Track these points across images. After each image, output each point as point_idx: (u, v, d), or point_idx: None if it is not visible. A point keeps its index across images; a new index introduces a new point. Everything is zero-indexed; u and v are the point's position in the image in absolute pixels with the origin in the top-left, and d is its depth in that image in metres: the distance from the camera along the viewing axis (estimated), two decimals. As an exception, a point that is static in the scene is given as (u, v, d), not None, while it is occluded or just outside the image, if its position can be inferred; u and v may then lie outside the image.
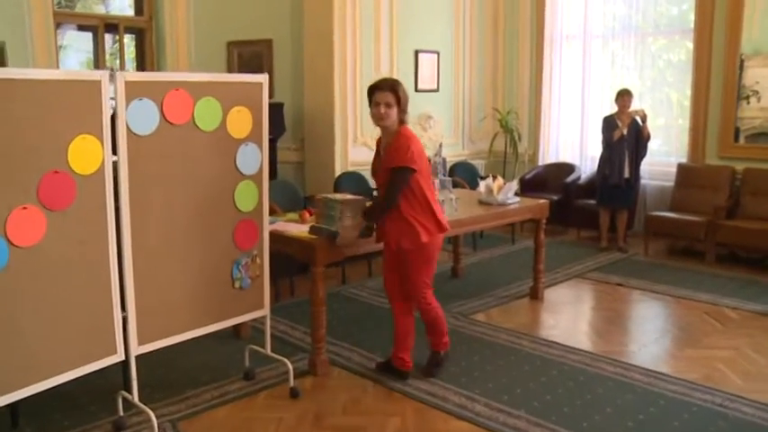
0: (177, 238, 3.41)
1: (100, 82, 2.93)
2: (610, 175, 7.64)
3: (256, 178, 3.75)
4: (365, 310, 5.65)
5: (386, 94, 3.93)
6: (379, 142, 4.19)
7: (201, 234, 3.52)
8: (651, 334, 5.21)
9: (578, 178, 8.70)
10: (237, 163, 3.62)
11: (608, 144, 7.66)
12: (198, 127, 3.39)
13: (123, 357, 3.26)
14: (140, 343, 3.33)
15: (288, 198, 6.27)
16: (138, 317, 3.29)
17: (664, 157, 8.54)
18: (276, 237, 4.24)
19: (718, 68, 7.81)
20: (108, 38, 7.57)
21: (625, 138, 7.54)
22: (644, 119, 7.52)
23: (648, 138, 7.63)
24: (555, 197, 8.27)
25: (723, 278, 6.66)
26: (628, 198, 7.84)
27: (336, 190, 6.89)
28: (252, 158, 3.69)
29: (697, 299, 5.96)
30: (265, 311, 4.01)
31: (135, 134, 3.15)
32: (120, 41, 7.55)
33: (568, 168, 8.92)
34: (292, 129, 8.15)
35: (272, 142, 7.80)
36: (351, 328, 5.17)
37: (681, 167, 8.09)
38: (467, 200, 5.62)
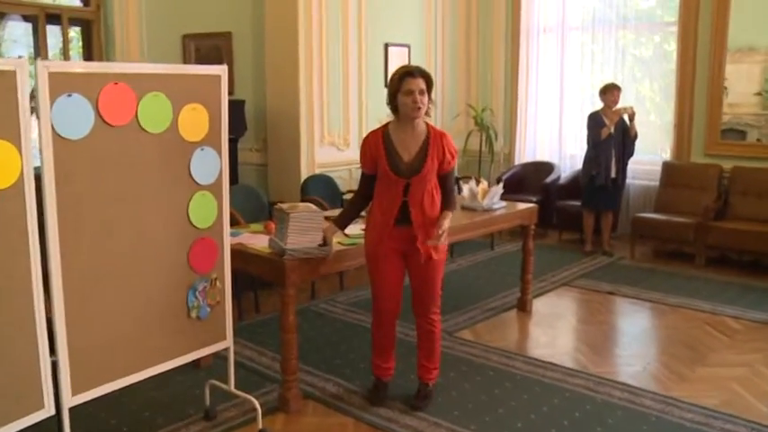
0: (119, 263, 2.83)
1: (14, 73, 2.34)
2: (596, 176, 7.21)
3: (215, 188, 3.18)
4: (339, 328, 5.10)
5: (419, 80, 3.49)
6: (378, 138, 3.64)
7: (149, 257, 2.95)
8: (653, 349, 4.78)
9: (558, 178, 8.26)
10: (192, 171, 3.05)
11: (594, 143, 7.22)
12: (143, 128, 2.82)
13: (53, 412, 2.66)
14: (75, 392, 2.73)
15: (251, 206, 5.72)
16: (72, 361, 2.70)
17: (647, 155, 8.15)
18: (239, 253, 3.69)
19: (703, 62, 7.44)
20: (55, 30, 6.91)
21: (612, 136, 7.11)
22: (632, 117, 7.11)
23: (636, 136, 7.23)
24: (534, 198, 7.82)
25: (718, 283, 6.27)
26: (614, 199, 7.44)
27: (303, 195, 6.35)
28: (209, 165, 3.13)
29: (695, 307, 5.55)
30: (228, 343, 3.44)
31: (63, 138, 2.56)
32: (64, 34, 6.91)
33: (547, 167, 8.48)
34: (254, 128, 7.59)
35: (233, 143, 7.26)
36: (324, 352, 4.62)
37: (666, 166, 7.71)
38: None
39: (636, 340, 4.99)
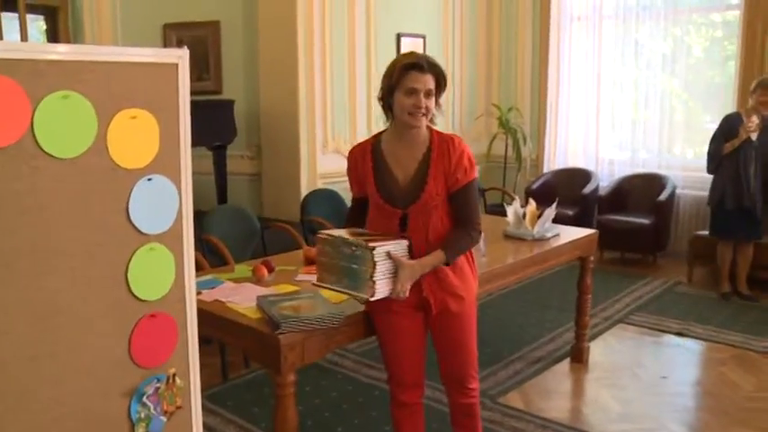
0: (13, 365, 1.74)
1: None
2: (723, 201, 5.62)
3: (170, 237, 2.08)
4: (350, 391, 4.00)
5: (428, 77, 2.53)
6: (365, 152, 2.68)
7: (62, 353, 1.86)
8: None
9: (597, 188, 7.17)
10: (132, 214, 1.95)
11: (713, 155, 5.66)
12: (44, 150, 1.73)
13: None
14: None
15: (239, 233, 4.64)
16: None
17: (700, 160, 7.07)
18: (213, 318, 2.63)
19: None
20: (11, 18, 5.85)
21: (754, 148, 5.46)
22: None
23: None
24: (570, 212, 6.77)
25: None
26: (755, 227, 5.62)
27: (304, 213, 5.26)
28: (161, 203, 2.04)
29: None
30: (195, 461, 2.34)
31: None
32: (22, 22, 5.83)
33: (583, 175, 7.39)
34: (246, 132, 6.57)
35: (220, 150, 6.21)
36: (332, 428, 3.53)
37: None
38: (486, 233, 3.99)
39: (741, 410, 3.82)
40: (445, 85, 2.58)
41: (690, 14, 7.03)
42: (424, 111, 2.51)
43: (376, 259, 2.41)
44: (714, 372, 4.31)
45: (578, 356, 4.38)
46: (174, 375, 2.15)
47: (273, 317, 2.46)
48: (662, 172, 7.01)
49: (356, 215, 2.78)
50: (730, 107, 6.63)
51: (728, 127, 5.53)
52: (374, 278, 2.41)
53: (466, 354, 2.73)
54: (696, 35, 7.13)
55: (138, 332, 2.03)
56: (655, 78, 7.15)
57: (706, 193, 6.73)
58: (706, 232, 6.23)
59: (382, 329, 2.70)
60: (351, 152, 2.76)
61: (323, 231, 2.61)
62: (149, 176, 1.99)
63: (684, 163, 7.09)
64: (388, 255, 2.45)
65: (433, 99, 2.54)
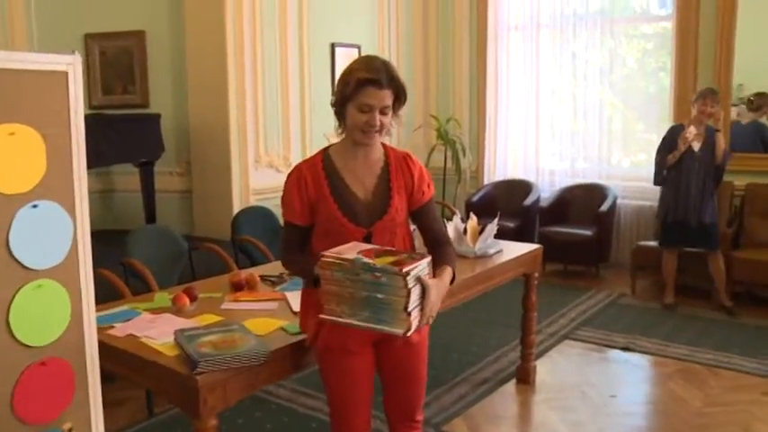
0: None
1: None
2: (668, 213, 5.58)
3: (64, 271, 1.82)
4: (288, 424, 3.74)
5: (385, 93, 2.26)
6: (317, 170, 2.37)
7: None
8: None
9: (538, 199, 7.06)
10: (12, 246, 1.69)
11: (658, 168, 5.60)
12: None
13: None
14: None
15: (164, 255, 4.34)
16: None
17: (635, 168, 7.06)
18: (126, 356, 2.36)
19: (707, 57, 6.34)
20: None
21: (694, 157, 5.39)
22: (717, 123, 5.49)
23: (726, 156, 5.44)
24: (511, 224, 6.64)
25: (750, 329, 5.14)
26: (709, 236, 5.48)
27: (235, 232, 4.98)
28: (50, 233, 1.77)
29: (736, 367, 4.40)
30: None
31: None
32: None
33: (524, 187, 7.28)
34: (175, 148, 6.26)
35: (147, 167, 5.89)
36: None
37: (667, 184, 6.56)
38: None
39: (692, 427, 3.70)
40: (405, 98, 2.34)
41: (624, 24, 7.00)
42: (377, 128, 2.27)
43: (410, 286, 2.03)
44: (662, 388, 4.18)
45: (525, 377, 4.20)
46: (69, 431, 1.87)
47: (191, 354, 2.20)
48: (602, 182, 6.95)
49: (297, 245, 2.42)
50: (666, 117, 6.63)
51: (671, 138, 5.48)
52: (409, 308, 2.04)
53: (420, 385, 2.52)
54: (628, 46, 7.11)
55: (23, 384, 1.76)
56: (592, 88, 7.10)
57: (647, 203, 6.78)
58: (648, 242, 6.18)
59: (332, 372, 2.39)
60: (296, 171, 2.38)
61: (328, 253, 2.14)
62: (34, 203, 1.72)
63: (624, 173, 7.05)
64: (418, 279, 2.11)
65: (390, 114, 2.30)
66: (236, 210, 5.74)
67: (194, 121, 6.21)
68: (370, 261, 2.07)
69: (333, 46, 6.83)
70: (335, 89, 2.35)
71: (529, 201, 6.95)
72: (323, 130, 6.38)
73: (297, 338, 2.47)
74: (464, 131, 7.73)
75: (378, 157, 2.40)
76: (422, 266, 2.15)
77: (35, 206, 1.70)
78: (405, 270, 2.03)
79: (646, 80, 7.06)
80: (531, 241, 6.70)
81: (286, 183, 2.39)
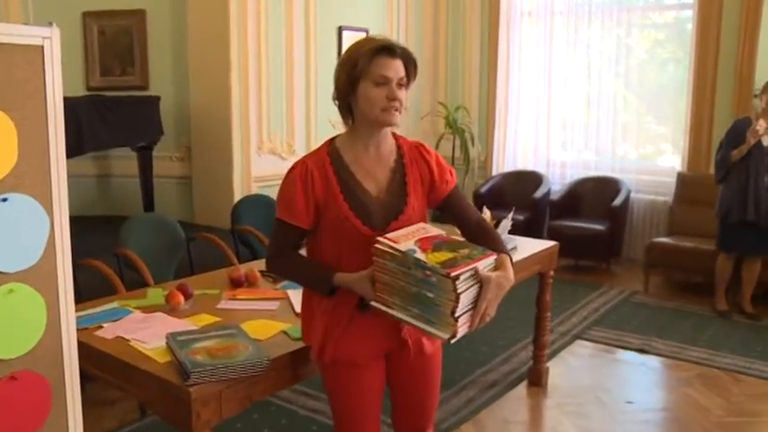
0: None
1: None
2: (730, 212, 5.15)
3: (38, 274, 1.61)
4: (287, 426, 3.54)
5: (399, 63, 2.04)
6: (324, 165, 2.10)
7: None
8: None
9: (548, 191, 6.85)
10: (-21, 247, 1.49)
11: (721, 165, 5.19)
12: None
13: None
14: None
15: (161, 246, 4.15)
16: None
17: (652, 163, 6.86)
18: (112, 360, 2.16)
19: (729, 50, 6.11)
20: None
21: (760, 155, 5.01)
22: None
23: None
24: (521, 216, 6.41)
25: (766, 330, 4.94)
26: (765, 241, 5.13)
27: (235, 222, 4.78)
28: (22, 230, 1.56)
29: (756, 373, 4.20)
30: None
31: None
32: None
33: (533, 178, 7.07)
34: (175, 132, 6.07)
35: (145, 151, 5.69)
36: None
37: (682, 178, 6.35)
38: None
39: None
40: (415, 74, 2.10)
41: (644, 12, 6.77)
42: (396, 106, 2.03)
43: (459, 290, 1.83)
44: (681, 394, 3.97)
45: (536, 379, 4.01)
46: (44, 452, 1.67)
47: (183, 363, 2.00)
48: (615, 175, 6.73)
49: (291, 249, 2.15)
50: (683, 109, 6.41)
51: (736, 133, 5.08)
52: (456, 314, 1.85)
53: (433, 398, 2.32)
54: (640, 36, 6.87)
55: (-10, 401, 1.55)
56: (607, 78, 6.87)
57: (660, 198, 6.58)
58: (663, 239, 5.98)
59: (339, 388, 2.17)
60: (301, 166, 2.09)
61: (383, 240, 1.94)
62: (4, 196, 1.51)
63: (638, 166, 6.83)
64: (474, 275, 1.89)
65: (404, 90, 2.06)
66: (236, 197, 5.56)
67: (195, 105, 6.01)
68: (422, 257, 1.88)
69: (340, 29, 6.61)
70: (338, 77, 2.08)
71: (539, 193, 6.73)
72: (328, 116, 6.17)
73: (300, 344, 2.27)
74: (473, 120, 7.51)
75: (390, 149, 2.17)
76: (482, 264, 1.93)
77: (4, 200, 1.49)
78: (455, 274, 1.82)
79: (663, 70, 6.84)
80: (541, 235, 6.56)
81: (287, 178, 2.10)
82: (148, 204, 5.82)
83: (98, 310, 2.64)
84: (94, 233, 5.09)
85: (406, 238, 1.97)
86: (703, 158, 6.34)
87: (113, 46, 6.21)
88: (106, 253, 3.88)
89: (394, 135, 2.20)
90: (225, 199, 5.68)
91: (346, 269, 2.04)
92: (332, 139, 2.18)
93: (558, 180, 7.13)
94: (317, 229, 2.11)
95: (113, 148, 5.81)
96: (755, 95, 5.21)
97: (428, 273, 1.86)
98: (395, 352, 2.17)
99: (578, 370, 4.33)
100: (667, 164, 6.81)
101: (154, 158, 5.85)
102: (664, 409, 3.83)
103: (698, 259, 5.58)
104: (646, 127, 6.94)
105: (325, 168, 2.08)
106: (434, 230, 2.06)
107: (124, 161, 6.02)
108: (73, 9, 6.00)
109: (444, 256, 1.90)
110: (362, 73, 2.01)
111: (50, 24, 1.51)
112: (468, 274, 1.87)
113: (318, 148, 2.16)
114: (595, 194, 6.69)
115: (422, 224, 2.10)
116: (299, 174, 2.07)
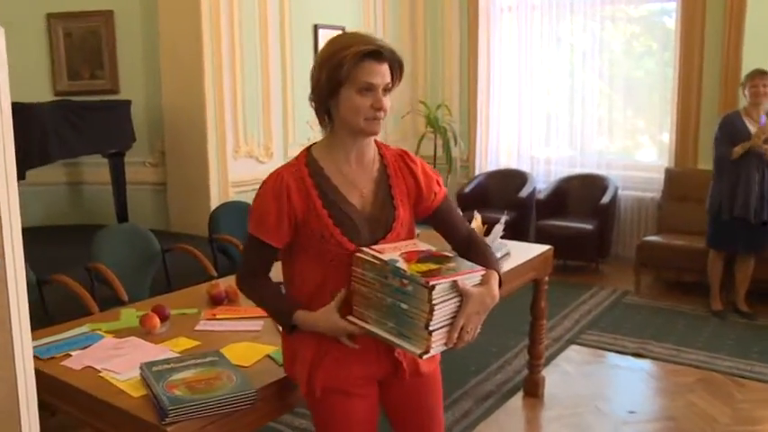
0: None
1: None
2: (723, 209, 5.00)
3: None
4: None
5: (385, 68, 1.85)
6: (302, 178, 1.89)
7: None
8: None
9: (534, 190, 6.69)
10: None
11: (719, 163, 5.02)
12: None
13: None
14: None
15: (135, 258, 3.92)
16: None
17: (640, 159, 6.74)
18: (79, 396, 1.95)
19: (714, 42, 5.99)
20: None
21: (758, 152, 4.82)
22: None
23: None
24: (507, 216, 6.24)
25: (765, 331, 4.81)
26: (761, 238, 4.98)
27: (212, 230, 4.56)
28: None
29: (758, 376, 4.06)
30: None
31: None
32: None
33: (518, 177, 6.90)
34: (148, 137, 5.85)
35: (117, 156, 5.46)
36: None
37: (670, 174, 6.22)
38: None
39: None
40: (401, 76, 1.90)
41: (626, 5, 6.61)
42: (380, 114, 1.85)
43: (435, 301, 1.68)
44: (684, 401, 3.81)
45: (533, 390, 3.84)
46: None
47: (160, 399, 1.79)
48: (601, 172, 6.59)
49: (262, 269, 1.98)
50: (668, 102, 6.30)
51: (731, 128, 4.90)
52: (430, 327, 1.69)
53: (436, 422, 2.12)
54: (617, 30, 6.70)
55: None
56: (590, 73, 6.72)
57: (648, 195, 6.44)
58: (654, 237, 5.84)
59: (330, 420, 1.96)
60: (275, 178, 1.89)
61: (367, 249, 1.82)
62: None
63: (624, 162, 6.69)
64: (454, 288, 1.74)
65: (389, 96, 1.88)
66: (213, 203, 5.36)
67: (168, 108, 5.77)
68: (403, 266, 1.73)
69: (316, 27, 6.39)
70: (317, 78, 1.87)
71: (524, 192, 6.57)
72: (305, 118, 5.96)
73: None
74: (454, 118, 7.32)
75: (372, 158, 1.98)
76: (463, 278, 1.76)
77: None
78: (432, 283, 1.66)
79: (642, 64, 6.72)
80: (528, 236, 6.42)
81: (260, 191, 1.91)
82: (121, 213, 5.58)
83: (66, 335, 2.42)
84: (66, 244, 4.88)
85: (391, 251, 1.82)
86: (690, 154, 6.21)
87: (81, 49, 5.96)
88: (78, 266, 3.67)
89: (376, 142, 2.01)
90: (201, 205, 5.46)
91: (332, 294, 1.86)
92: (308, 148, 1.98)
93: (542, 178, 6.97)
94: (295, 250, 1.92)
95: (83, 156, 5.57)
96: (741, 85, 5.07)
97: (405, 281, 1.72)
98: (388, 376, 1.98)
99: (575, 377, 4.16)
100: (653, 158, 6.68)
101: (126, 164, 5.62)
102: (669, 419, 3.66)
103: (690, 258, 5.44)
104: (634, 122, 6.80)
105: (304, 180, 1.89)
106: (424, 246, 1.89)
107: (96, 168, 5.78)
108: (36, 10, 5.75)
109: (427, 266, 1.75)
110: (346, 78, 1.81)
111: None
112: (446, 285, 1.71)
113: (295, 158, 1.96)
114: (582, 192, 6.54)
115: (413, 241, 1.94)
116: (272, 186, 1.88)
